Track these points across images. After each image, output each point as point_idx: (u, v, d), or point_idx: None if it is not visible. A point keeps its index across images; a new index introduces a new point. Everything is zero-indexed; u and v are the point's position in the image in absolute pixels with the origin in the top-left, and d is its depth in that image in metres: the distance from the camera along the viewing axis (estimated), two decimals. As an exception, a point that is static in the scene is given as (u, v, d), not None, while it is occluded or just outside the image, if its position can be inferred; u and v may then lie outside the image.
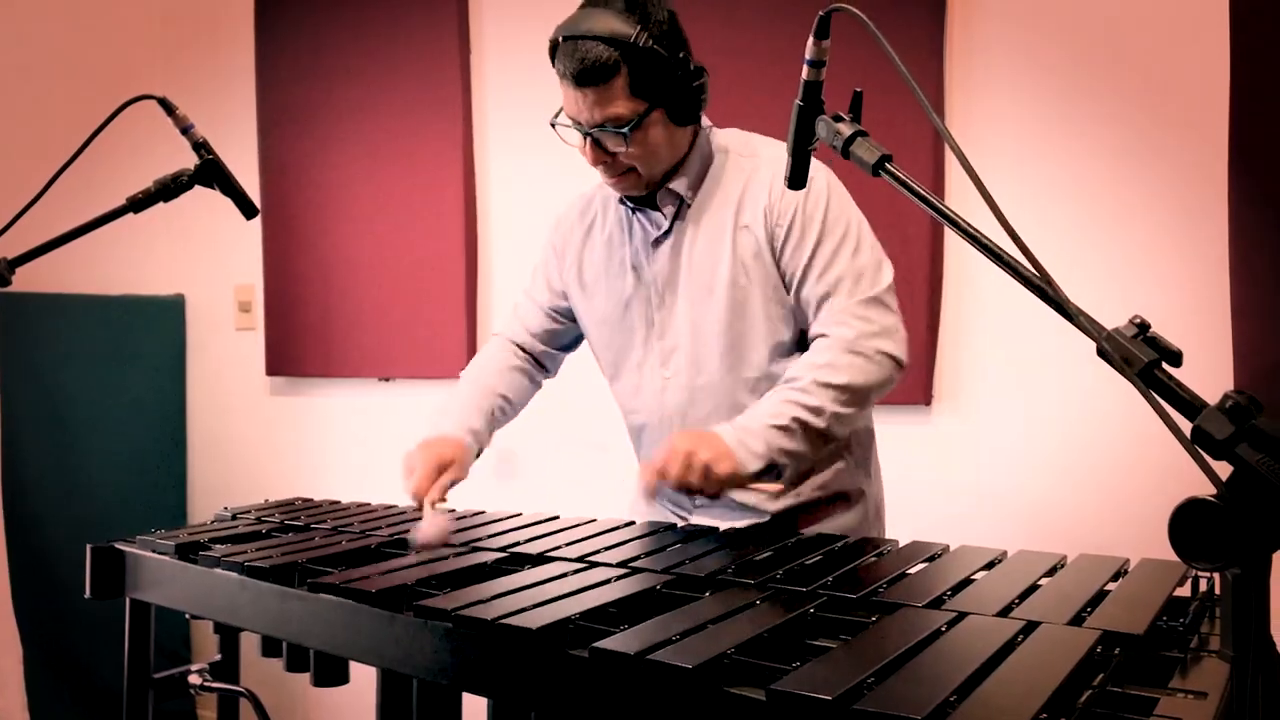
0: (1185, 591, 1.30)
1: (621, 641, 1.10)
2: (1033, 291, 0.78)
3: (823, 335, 1.67)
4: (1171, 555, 1.37)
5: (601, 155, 1.70)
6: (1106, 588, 1.29)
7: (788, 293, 1.72)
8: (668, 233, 1.78)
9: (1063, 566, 1.40)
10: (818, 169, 1.69)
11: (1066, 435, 2.35)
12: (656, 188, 1.75)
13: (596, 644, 1.09)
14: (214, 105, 3.54)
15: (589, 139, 1.69)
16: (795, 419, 1.60)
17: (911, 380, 2.42)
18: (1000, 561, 1.44)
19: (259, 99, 3.57)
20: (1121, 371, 0.72)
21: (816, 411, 1.61)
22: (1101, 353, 0.74)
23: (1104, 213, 2.29)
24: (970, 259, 2.44)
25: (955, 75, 2.44)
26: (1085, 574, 1.35)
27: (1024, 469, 2.39)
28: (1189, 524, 0.65)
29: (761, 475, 1.60)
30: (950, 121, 2.41)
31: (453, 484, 1.78)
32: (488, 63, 3.19)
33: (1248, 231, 2.11)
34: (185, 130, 1.52)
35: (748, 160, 1.76)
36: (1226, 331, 2.11)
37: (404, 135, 3.26)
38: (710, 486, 1.58)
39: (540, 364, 2.03)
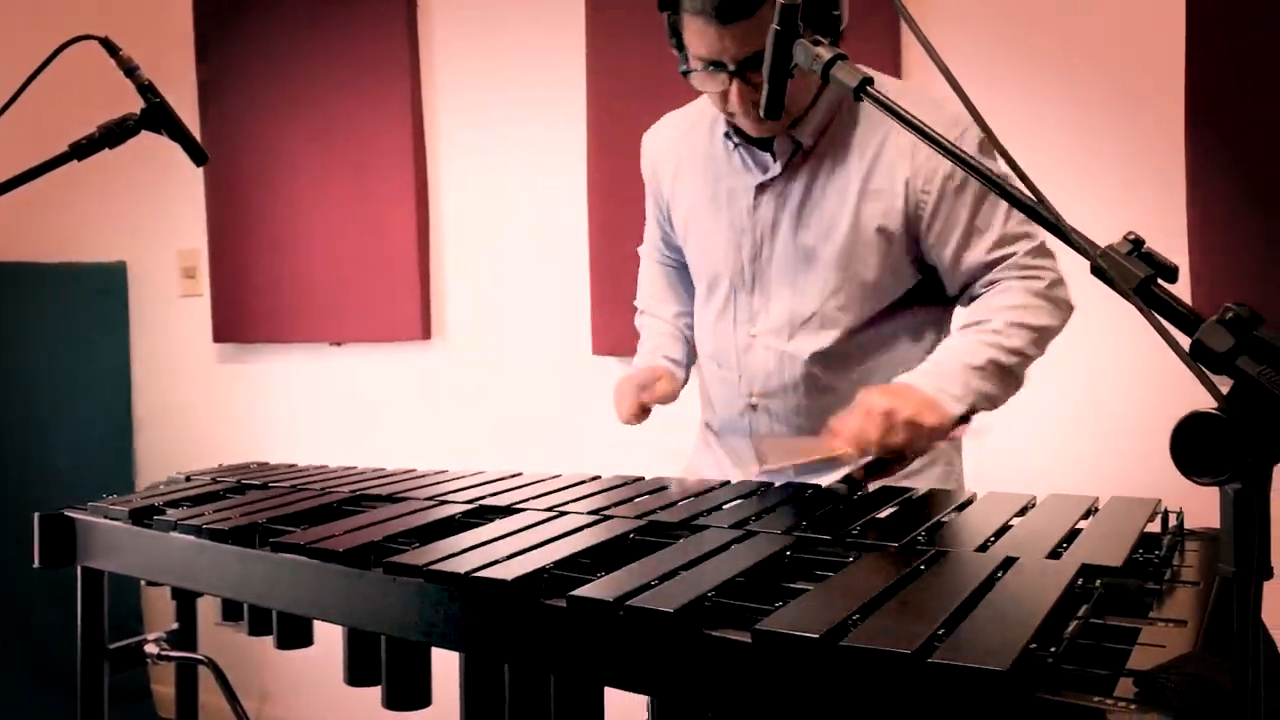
0: (1154, 527, 1.31)
1: (599, 589, 1.08)
2: (1024, 212, 0.77)
3: (999, 282, 1.59)
4: (1140, 493, 1.41)
5: (749, 94, 1.52)
6: (1079, 525, 1.29)
7: (927, 259, 1.63)
8: (775, 179, 1.65)
9: (1033, 506, 1.40)
10: (963, 118, 1.55)
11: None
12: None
13: (574, 592, 1.07)
14: (150, 61, 3.44)
15: (735, 80, 1.52)
16: (991, 360, 1.51)
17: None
18: (971, 503, 1.44)
19: (198, 55, 3.47)
20: (1117, 289, 0.70)
21: (1013, 352, 1.53)
22: (1096, 270, 0.72)
23: (1059, 170, 2.29)
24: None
25: (911, 55, 2.41)
26: (1057, 512, 1.35)
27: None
28: (1191, 438, 0.64)
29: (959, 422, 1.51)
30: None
31: (666, 399, 1.74)
32: (435, 17, 3.12)
33: (1205, 166, 2.14)
34: (130, 72, 1.45)
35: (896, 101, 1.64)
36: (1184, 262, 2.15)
37: (351, 92, 3.19)
38: (920, 442, 1.45)
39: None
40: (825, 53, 0.95)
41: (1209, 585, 1.12)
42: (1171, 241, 2.17)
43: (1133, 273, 0.70)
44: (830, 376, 1.67)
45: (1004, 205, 1.59)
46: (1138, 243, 0.72)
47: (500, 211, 3.05)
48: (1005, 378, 1.53)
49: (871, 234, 1.60)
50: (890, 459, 1.47)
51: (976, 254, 1.60)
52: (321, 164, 3.27)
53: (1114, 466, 2.26)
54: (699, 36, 1.50)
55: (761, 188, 1.66)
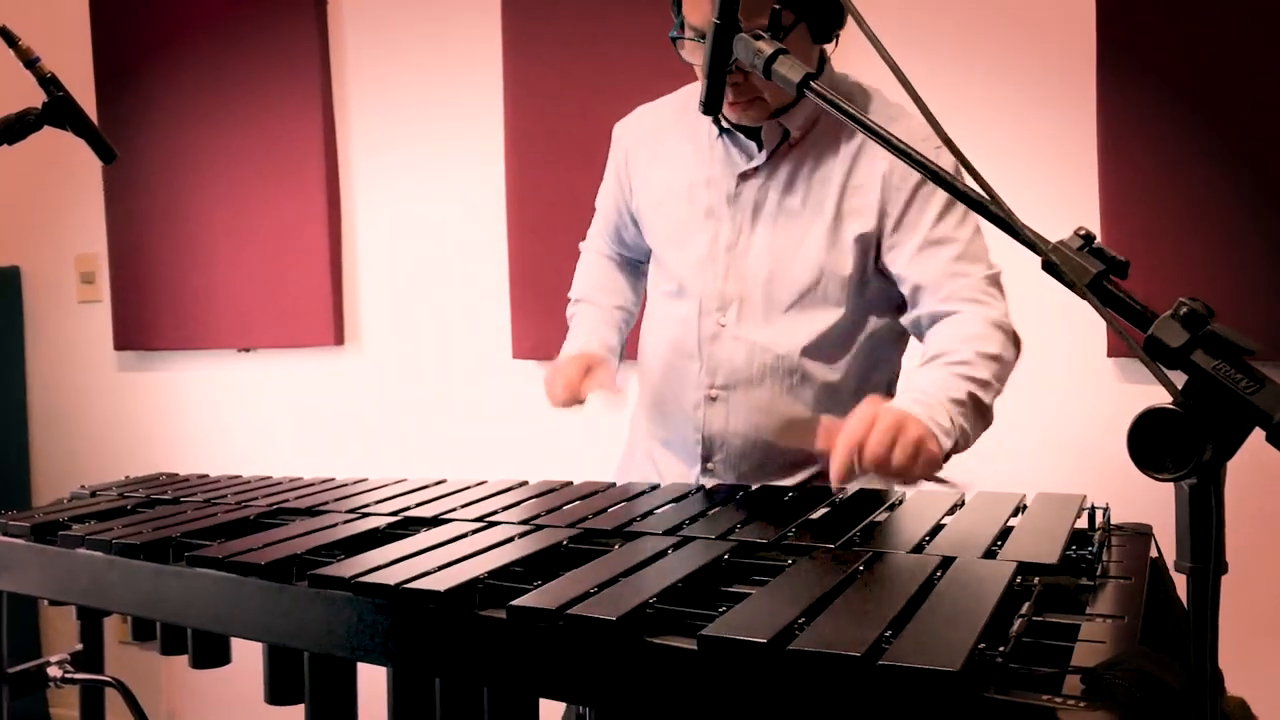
0: (1081, 523, 1.33)
1: (539, 598, 1.05)
2: (973, 209, 0.76)
3: (957, 310, 1.54)
4: (1062, 489, 1.43)
5: (735, 75, 1.49)
6: (1010, 523, 1.30)
7: (882, 258, 1.60)
8: (758, 169, 1.64)
9: (963, 505, 1.41)
10: (930, 135, 1.57)
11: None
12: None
13: (514, 602, 1.04)
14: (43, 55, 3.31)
15: None
16: (970, 394, 1.44)
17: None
18: (901, 503, 1.44)
19: (95, 50, 3.35)
20: (1070, 285, 0.70)
21: (985, 386, 1.46)
22: (1048, 266, 0.72)
23: (976, 132, 2.33)
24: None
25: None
26: (986, 510, 1.36)
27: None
28: (1149, 434, 0.64)
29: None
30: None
31: (602, 387, 1.65)
32: (347, 16, 3.05)
33: (1115, 136, 2.20)
34: (30, 64, 1.38)
35: (872, 113, 1.56)
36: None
37: (259, 88, 3.10)
38: (918, 468, 1.33)
39: (639, 261, 1.90)
40: (767, 47, 0.94)
41: (1141, 580, 1.14)
42: (1084, 206, 2.23)
43: (1085, 269, 0.70)
44: (799, 374, 1.64)
45: (971, 224, 1.59)
46: (1088, 238, 0.72)
47: (416, 214, 2.99)
48: (980, 413, 1.48)
49: (851, 226, 1.59)
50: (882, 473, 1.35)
51: (936, 263, 1.57)
52: (228, 164, 3.17)
53: (1027, 461, 2.30)
54: (695, 4, 1.49)
55: (744, 176, 1.65)
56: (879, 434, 1.30)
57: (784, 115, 1.61)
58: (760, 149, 1.64)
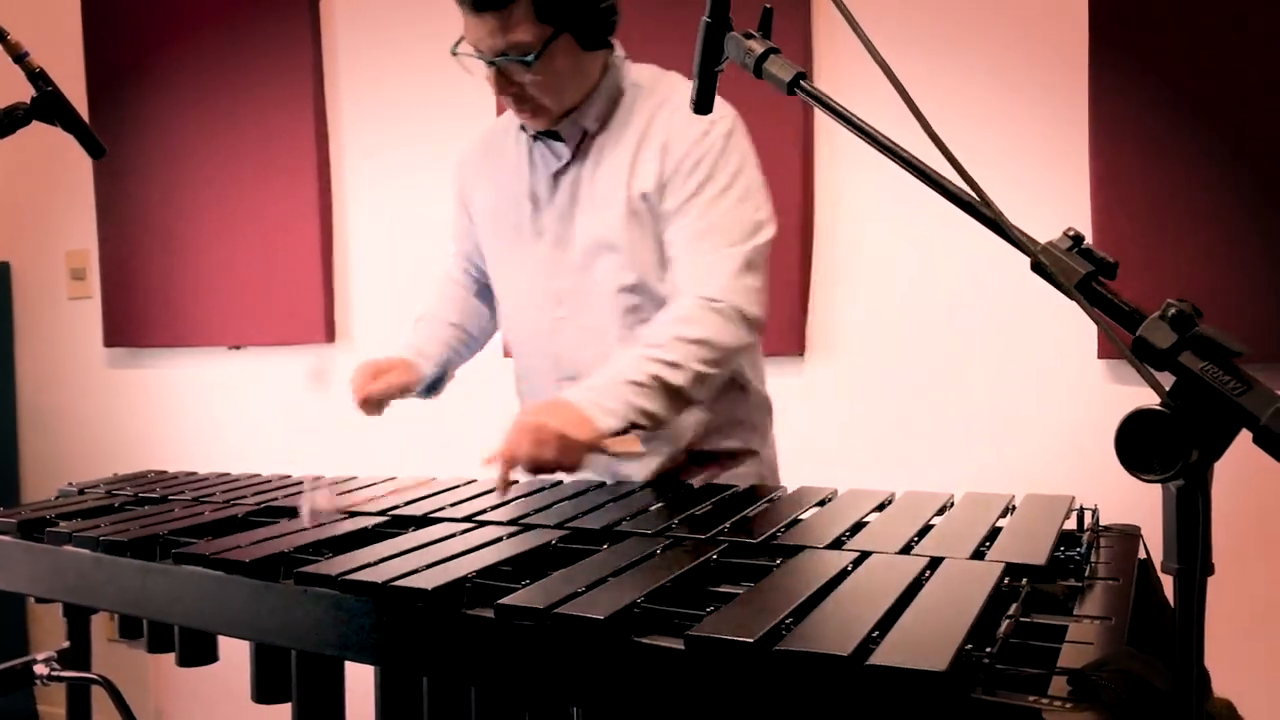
0: (1070, 524, 1.33)
1: (527, 596, 1.05)
2: (963, 209, 0.76)
3: (684, 290, 1.60)
4: (1051, 490, 1.43)
5: (507, 85, 1.61)
6: (998, 524, 1.30)
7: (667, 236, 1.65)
8: (568, 165, 1.70)
9: (951, 506, 1.41)
10: (727, 111, 1.64)
11: (935, 381, 2.39)
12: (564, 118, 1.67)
13: (502, 600, 1.04)
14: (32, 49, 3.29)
15: (494, 68, 1.59)
16: (653, 376, 1.52)
17: (784, 331, 2.42)
18: (890, 503, 1.44)
19: (86, 48, 3.34)
20: (1058, 286, 0.70)
21: (674, 366, 1.53)
22: (1037, 267, 0.72)
23: (958, 126, 2.32)
24: (839, 208, 2.45)
25: (821, 35, 2.44)
26: (975, 511, 1.36)
27: (896, 416, 2.43)
28: (1136, 435, 0.64)
29: (619, 435, 1.51)
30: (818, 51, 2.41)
31: (401, 390, 1.75)
32: (339, 10, 3.05)
33: (1107, 134, 2.19)
34: (19, 59, 1.37)
35: (656, 96, 1.68)
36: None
37: (251, 88, 3.09)
38: (568, 457, 1.47)
39: (490, 298, 1.93)
40: (758, 47, 0.94)
41: (1129, 581, 1.14)
42: (1076, 206, 2.23)
43: (1074, 269, 0.70)
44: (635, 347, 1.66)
45: (734, 195, 1.62)
46: (1077, 239, 0.72)
47: (408, 212, 2.99)
48: (670, 394, 1.54)
49: (643, 201, 1.64)
50: (546, 470, 1.49)
51: (683, 241, 1.62)
52: (220, 161, 3.17)
53: (1016, 462, 2.30)
54: (466, 22, 1.59)
55: (556, 175, 1.72)
56: (525, 440, 1.46)
57: (576, 114, 1.67)
58: (567, 149, 1.71)
